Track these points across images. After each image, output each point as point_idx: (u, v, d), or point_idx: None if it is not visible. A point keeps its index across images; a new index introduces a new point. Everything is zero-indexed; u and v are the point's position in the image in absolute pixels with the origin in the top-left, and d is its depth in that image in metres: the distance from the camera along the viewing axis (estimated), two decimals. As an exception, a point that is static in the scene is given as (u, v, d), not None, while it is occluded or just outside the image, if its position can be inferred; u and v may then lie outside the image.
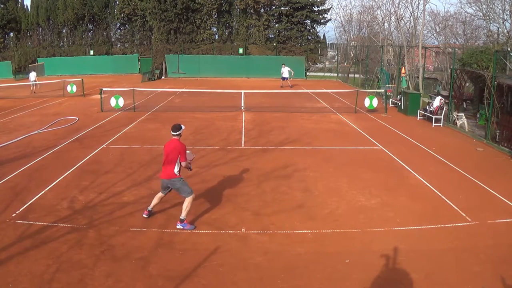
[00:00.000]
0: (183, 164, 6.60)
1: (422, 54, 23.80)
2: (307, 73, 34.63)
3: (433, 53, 29.68)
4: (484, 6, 23.04)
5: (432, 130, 14.78)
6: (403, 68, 21.09)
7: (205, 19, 35.19)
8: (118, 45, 39.00)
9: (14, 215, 7.03)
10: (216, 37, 36.62)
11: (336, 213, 7.38)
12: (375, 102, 17.56)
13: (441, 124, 15.26)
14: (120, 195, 8.02)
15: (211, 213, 7.27)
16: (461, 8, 43.21)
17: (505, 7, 22.02)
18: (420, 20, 25.15)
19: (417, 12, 25.89)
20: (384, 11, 32.41)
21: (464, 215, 7.29)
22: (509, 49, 16.69)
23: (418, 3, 25.68)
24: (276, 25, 35.86)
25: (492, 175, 9.57)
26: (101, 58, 36.04)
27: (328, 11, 36.07)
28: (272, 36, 35.92)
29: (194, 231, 6.57)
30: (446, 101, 15.83)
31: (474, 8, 24.49)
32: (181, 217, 6.62)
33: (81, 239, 6.21)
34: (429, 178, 9.18)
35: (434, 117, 15.31)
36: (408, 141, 12.85)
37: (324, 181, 9.05)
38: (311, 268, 5.58)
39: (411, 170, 9.78)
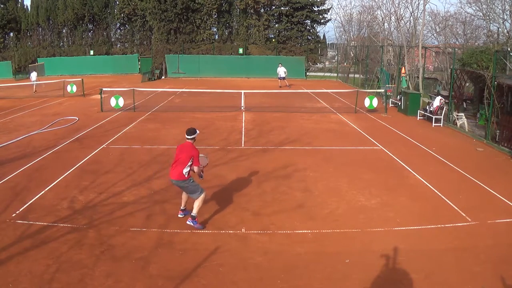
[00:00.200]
0: (195, 169, 6.50)
1: (422, 54, 23.80)
2: (307, 73, 34.63)
3: (433, 53, 29.68)
4: (484, 6, 23.07)
5: (432, 130, 14.78)
6: (403, 68, 21.09)
7: (205, 19, 35.19)
8: (118, 45, 39.01)
9: (14, 215, 7.04)
10: (216, 37, 36.62)
11: (336, 213, 7.38)
12: (375, 102, 17.56)
13: (441, 124, 15.26)
14: (120, 195, 8.02)
15: (211, 213, 7.26)
16: (461, 8, 43.26)
17: (505, 7, 22.04)
18: (420, 20, 25.18)
19: (417, 12, 25.93)
20: (384, 11, 32.44)
21: (464, 215, 7.29)
22: (509, 49, 16.69)
23: (418, 3, 25.69)
24: (276, 25, 35.87)
25: (492, 175, 9.57)
26: (101, 58, 36.03)
27: (328, 11, 36.11)
28: (272, 36, 35.92)
29: (194, 231, 6.56)
30: (446, 101, 15.83)
31: (474, 8, 24.52)
32: (192, 214, 6.59)
33: (81, 239, 6.21)
34: (429, 178, 9.18)
35: (434, 117, 15.31)
36: (408, 141, 12.85)
37: (324, 181, 9.05)
38: (311, 268, 5.58)
39: (411, 170, 9.78)
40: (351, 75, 31.63)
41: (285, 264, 5.65)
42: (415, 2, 27.32)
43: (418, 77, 23.10)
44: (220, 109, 17.74)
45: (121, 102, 17.26)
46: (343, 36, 41.05)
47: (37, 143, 11.96)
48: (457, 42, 27.40)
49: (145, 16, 35.69)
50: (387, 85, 20.21)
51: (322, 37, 40.86)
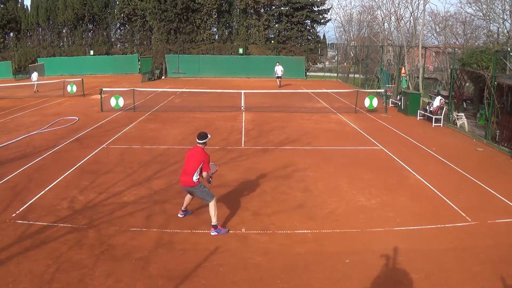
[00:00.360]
0: (204, 174, 6.43)
1: (422, 54, 23.80)
2: (307, 73, 34.63)
3: (433, 53, 29.69)
4: (484, 6, 23.08)
5: (432, 130, 14.78)
6: (403, 68, 21.09)
7: (205, 19, 35.19)
8: (118, 45, 39.01)
9: (14, 215, 7.04)
10: (216, 37, 36.62)
11: (336, 213, 7.38)
12: (375, 102, 17.56)
13: (441, 124, 15.26)
14: (120, 195, 8.02)
15: (209, 212, 7.24)
16: (461, 8, 43.33)
17: (505, 7, 22.05)
18: (420, 20, 25.18)
19: (417, 12, 25.95)
20: (384, 11, 32.42)
21: (464, 215, 7.29)
22: (509, 49, 16.69)
23: (418, 3, 25.72)
24: (276, 25, 35.86)
25: (492, 175, 9.57)
26: (101, 58, 36.03)
27: (328, 11, 36.11)
28: (272, 36, 35.92)
29: (194, 231, 6.56)
30: (446, 101, 15.83)
31: (474, 8, 24.55)
32: (212, 224, 6.47)
33: (81, 239, 6.21)
34: (429, 178, 9.18)
35: (434, 117, 15.31)
36: (408, 141, 12.85)
37: (324, 181, 9.05)
38: (311, 268, 5.58)
39: (411, 170, 9.78)
40: (351, 75, 31.63)
41: (285, 264, 5.65)
42: (415, 2, 27.41)
43: (418, 77, 23.10)
44: (220, 109, 17.74)
45: (121, 102, 17.26)
46: (343, 36, 41.14)
47: (37, 143, 11.96)
48: (457, 42, 27.42)
49: (145, 16, 35.69)
50: (387, 85, 20.22)
51: (322, 37, 40.89)
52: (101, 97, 17.41)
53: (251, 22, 35.20)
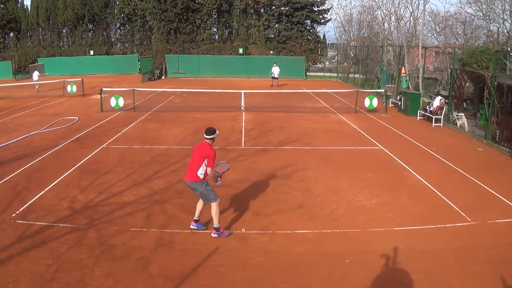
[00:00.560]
0: (209, 171, 6.16)
1: (422, 54, 23.80)
2: (307, 73, 34.63)
3: (433, 53, 29.69)
4: (484, 6, 23.08)
5: (432, 130, 14.78)
6: (403, 68, 21.09)
7: (205, 19, 35.20)
8: (118, 45, 39.03)
9: (14, 215, 7.03)
10: (216, 37, 36.63)
11: (336, 213, 7.38)
12: (375, 102, 17.56)
13: (441, 124, 15.26)
14: (120, 195, 8.02)
15: (211, 213, 7.24)
16: (461, 8, 43.32)
17: (505, 7, 22.05)
18: (420, 20, 25.18)
19: (417, 12, 25.94)
20: (384, 11, 32.43)
21: (464, 215, 7.29)
22: (509, 49, 16.69)
23: (418, 3, 25.75)
24: (276, 25, 35.88)
25: (492, 175, 9.57)
26: (101, 58, 36.04)
27: (328, 11, 36.14)
28: (272, 36, 35.93)
29: (194, 231, 6.56)
30: (446, 101, 15.83)
31: (474, 8, 24.55)
32: (214, 226, 6.33)
33: (81, 239, 6.20)
34: (429, 178, 9.18)
35: (434, 117, 15.31)
36: (408, 141, 12.85)
37: (324, 181, 9.05)
38: (311, 268, 5.57)
39: (411, 170, 9.78)
40: (351, 75, 31.63)
41: (285, 264, 5.65)
42: (415, 2, 27.49)
43: (418, 77, 23.10)
44: (220, 109, 17.74)
45: (121, 102, 17.27)
46: (343, 36, 41.13)
47: (37, 143, 11.96)
48: (457, 42, 27.42)
49: (145, 16, 35.70)
50: (387, 85, 20.22)
51: (322, 37, 40.92)
52: (101, 97, 17.40)
53: (251, 22, 35.21)
